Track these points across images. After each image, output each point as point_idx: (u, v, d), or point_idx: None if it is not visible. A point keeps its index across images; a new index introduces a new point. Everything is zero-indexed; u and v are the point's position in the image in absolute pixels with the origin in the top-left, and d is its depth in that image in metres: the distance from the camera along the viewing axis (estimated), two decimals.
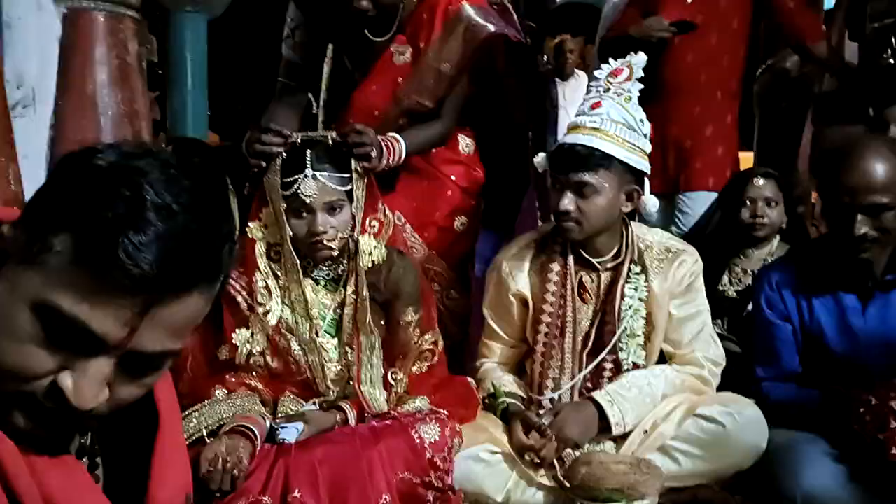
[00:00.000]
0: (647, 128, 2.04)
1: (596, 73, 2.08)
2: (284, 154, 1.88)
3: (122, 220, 0.66)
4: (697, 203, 3.05)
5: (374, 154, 1.98)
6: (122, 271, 0.66)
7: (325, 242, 1.85)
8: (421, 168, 2.37)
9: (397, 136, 2.22)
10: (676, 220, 3.06)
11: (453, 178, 2.49)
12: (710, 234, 2.66)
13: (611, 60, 2.07)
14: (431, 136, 2.40)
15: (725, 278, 2.65)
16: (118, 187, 0.68)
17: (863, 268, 1.91)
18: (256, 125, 1.99)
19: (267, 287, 1.88)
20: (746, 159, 4.13)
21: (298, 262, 1.90)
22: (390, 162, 2.16)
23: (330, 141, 1.90)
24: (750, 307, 2.57)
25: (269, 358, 1.90)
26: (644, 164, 2.01)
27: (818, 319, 1.98)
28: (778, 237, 2.67)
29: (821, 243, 2.02)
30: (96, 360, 0.69)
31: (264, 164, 1.90)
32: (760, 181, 2.64)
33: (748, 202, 2.62)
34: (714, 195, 3.05)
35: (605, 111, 1.96)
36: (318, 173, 1.83)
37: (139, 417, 0.85)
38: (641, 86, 2.04)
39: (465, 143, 2.54)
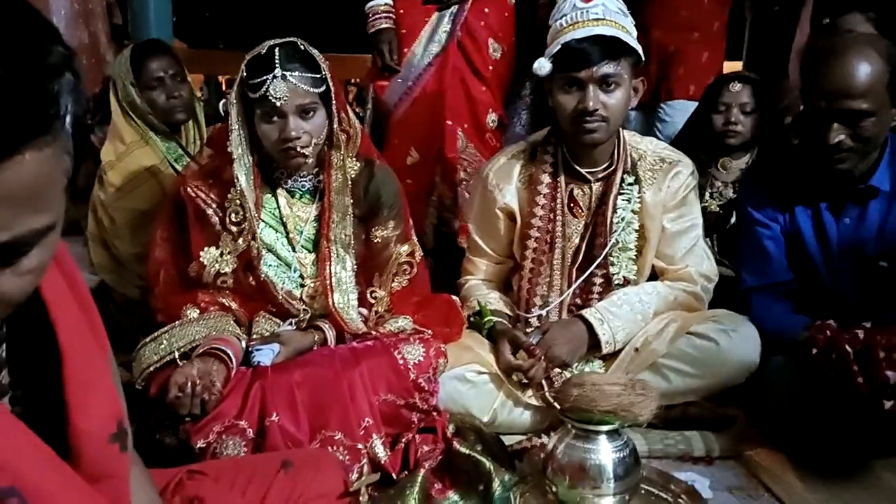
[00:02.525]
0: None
1: None
2: None
3: None
4: (677, 111, 2.96)
5: None
6: None
7: (298, 149, 1.71)
8: None
9: None
10: (656, 129, 2.97)
11: None
12: (683, 144, 2.57)
13: None
14: None
15: (706, 193, 2.56)
16: None
17: (839, 177, 1.79)
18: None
19: (241, 206, 1.75)
20: (735, 68, 4.00)
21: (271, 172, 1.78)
22: None
23: (300, 43, 1.74)
24: (734, 220, 2.51)
25: (241, 276, 1.79)
26: (642, 56, 1.89)
27: (798, 225, 1.89)
28: (757, 147, 2.58)
29: (800, 149, 1.90)
30: None
31: None
32: (737, 86, 2.53)
33: (722, 108, 2.52)
34: (695, 104, 2.95)
35: (600, 3, 1.82)
36: (287, 73, 1.68)
37: (46, 347, 0.75)
38: None
39: None
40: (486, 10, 2.58)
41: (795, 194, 1.89)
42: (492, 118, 2.66)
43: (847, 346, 1.55)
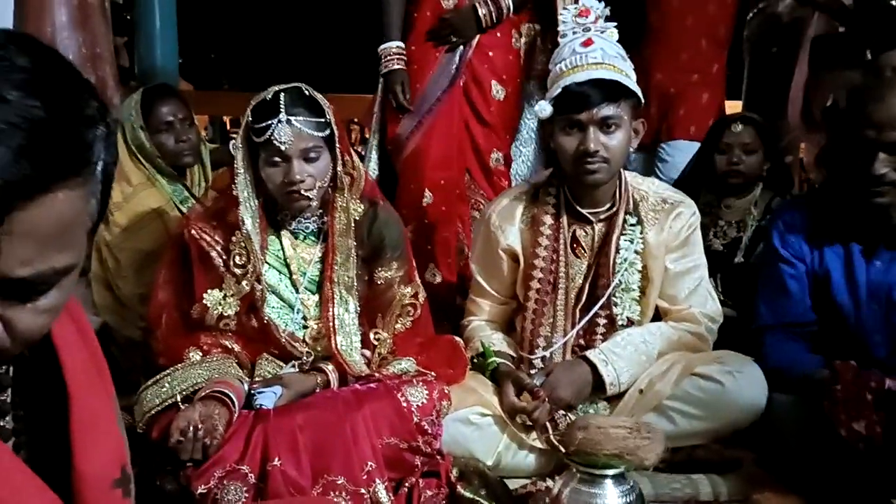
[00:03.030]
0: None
1: (561, 17, 1.97)
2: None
3: None
4: (678, 151, 2.98)
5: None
6: None
7: (302, 192, 1.73)
8: None
9: None
10: (657, 169, 2.99)
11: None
12: (687, 185, 2.58)
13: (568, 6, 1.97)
14: None
15: (710, 232, 2.57)
16: None
17: (878, 214, 1.77)
18: None
19: (246, 248, 1.76)
20: (735, 108, 4.04)
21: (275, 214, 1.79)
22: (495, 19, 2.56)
23: (304, 88, 1.77)
24: (737, 259, 2.51)
25: (243, 319, 1.78)
26: (641, 98, 1.92)
27: (826, 266, 1.87)
28: (760, 185, 2.59)
29: (836, 185, 1.88)
30: None
31: None
32: (739, 127, 2.56)
33: (725, 148, 2.54)
34: (695, 144, 2.98)
35: (598, 47, 1.85)
36: (292, 118, 1.69)
37: (53, 391, 0.75)
38: (614, 24, 1.93)
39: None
40: (491, 53, 2.63)
41: (826, 234, 1.88)
42: (495, 157, 2.68)
43: (867, 394, 1.54)
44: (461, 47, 2.61)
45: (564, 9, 2.01)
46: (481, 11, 2.55)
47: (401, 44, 2.61)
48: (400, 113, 2.62)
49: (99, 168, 0.63)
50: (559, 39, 1.98)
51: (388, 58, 2.61)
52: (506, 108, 2.69)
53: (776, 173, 2.62)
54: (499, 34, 2.63)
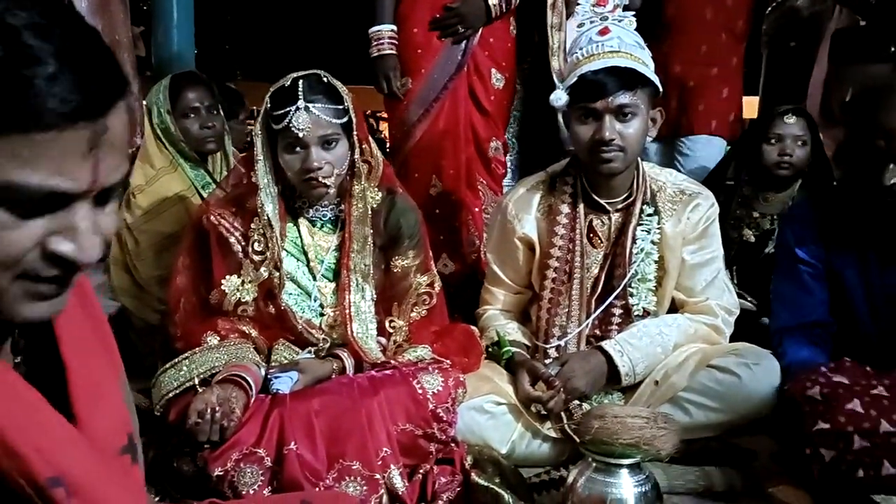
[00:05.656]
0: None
1: (578, 7, 1.96)
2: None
3: (11, 62, 0.60)
4: (699, 146, 2.97)
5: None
6: (47, 108, 0.61)
7: (320, 179, 1.73)
8: None
9: None
10: (677, 162, 2.98)
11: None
12: (728, 177, 2.56)
13: None
14: None
15: (743, 223, 2.56)
16: None
17: (891, 221, 1.73)
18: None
19: (264, 235, 1.77)
20: (752, 104, 4.01)
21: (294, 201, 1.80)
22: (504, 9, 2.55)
23: (323, 75, 1.77)
24: (768, 250, 2.50)
25: (261, 305, 1.79)
26: (659, 87, 1.90)
27: (840, 268, 1.84)
28: (799, 181, 2.57)
29: (846, 188, 1.85)
30: (79, 211, 0.66)
31: None
32: (792, 118, 2.53)
33: (775, 140, 2.51)
34: (716, 139, 2.97)
35: (615, 35, 1.85)
36: (310, 105, 1.70)
37: (51, 365, 0.77)
38: (633, 12, 1.93)
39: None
40: (491, 39, 2.59)
41: (840, 235, 1.84)
42: (494, 146, 2.66)
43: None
44: None
45: None
46: (492, 1, 2.51)
47: (394, 27, 2.55)
48: (392, 100, 2.58)
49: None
50: (576, 29, 1.97)
51: (380, 42, 2.54)
52: (504, 95, 2.66)
53: (817, 169, 2.59)
54: (499, 21, 2.60)
